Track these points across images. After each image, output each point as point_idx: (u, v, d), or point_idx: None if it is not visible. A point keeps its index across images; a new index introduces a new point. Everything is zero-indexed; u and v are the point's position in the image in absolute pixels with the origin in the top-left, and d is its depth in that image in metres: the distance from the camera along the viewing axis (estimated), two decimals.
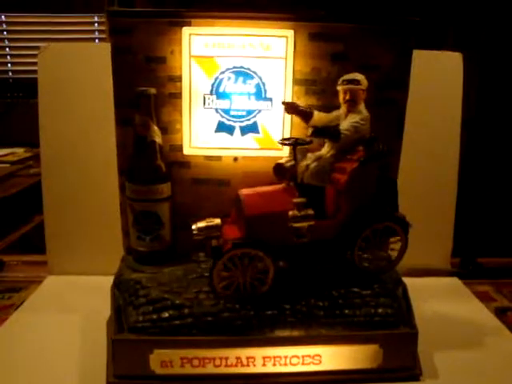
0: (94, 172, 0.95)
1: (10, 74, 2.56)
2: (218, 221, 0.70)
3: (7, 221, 1.46)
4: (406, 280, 0.76)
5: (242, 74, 0.75)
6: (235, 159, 0.79)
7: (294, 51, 0.75)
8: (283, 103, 0.74)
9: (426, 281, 0.98)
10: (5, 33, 2.51)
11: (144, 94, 0.73)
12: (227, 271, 0.67)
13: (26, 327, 0.81)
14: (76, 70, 0.93)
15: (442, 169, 0.99)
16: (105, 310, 0.77)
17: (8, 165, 1.95)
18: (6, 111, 2.45)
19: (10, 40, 2.53)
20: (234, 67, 0.75)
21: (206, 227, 0.69)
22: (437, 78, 0.96)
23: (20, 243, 1.38)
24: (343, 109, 0.72)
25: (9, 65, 2.56)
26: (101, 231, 0.96)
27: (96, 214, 0.97)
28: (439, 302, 0.90)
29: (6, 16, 2.48)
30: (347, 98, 0.70)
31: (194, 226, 0.69)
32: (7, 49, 2.54)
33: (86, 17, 2.47)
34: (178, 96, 0.76)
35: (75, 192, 0.96)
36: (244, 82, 0.76)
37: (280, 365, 0.67)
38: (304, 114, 0.73)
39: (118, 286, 0.76)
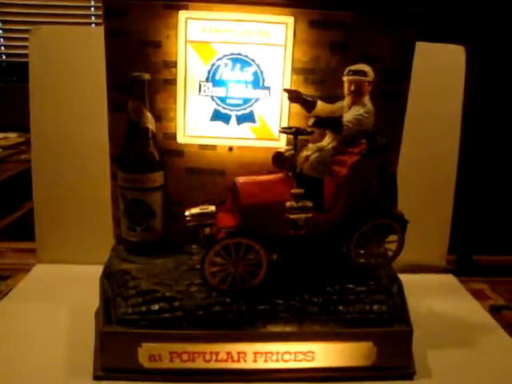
0: (85, 159, 0.93)
1: (4, 57, 2.52)
2: (212, 208, 0.68)
3: None
4: (401, 276, 0.75)
5: (240, 61, 0.73)
6: (230, 149, 0.77)
7: (294, 39, 0.73)
8: (286, 91, 0.72)
9: (421, 277, 0.97)
10: None
11: (138, 80, 0.71)
12: (219, 261, 0.66)
13: (12, 317, 0.79)
14: (68, 54, 0.90)
15: (441, 164, 0.98)
16: (93, 300, 0.75)
17: (0, 150, 1.93)
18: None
19: (3, 22, 2.48)
20: (232, 54, 0.73)
21: (200, 214, 0.67)
22: (438, 70, 0.94)
23: (10, 229, 1.36)
24: (347, 100, 0.70)
25: (2, 48, 2.52)
26: (91, 220, 0.94)
27: (87, 202, 0.94)
28: (434, 299, 0.89)
29: None
30: (352, 89, 0.68)
31: (187, 212, 0.68)
32: (0, 31, 2.49)
33: (82, 0, 2.42)
34: (172, 82, 0.74)
35: (66, 179, 0.94)
36: (241, 69, 0.74)
37: (271, 361, 0.66)
38: (307, 104, 0.71)
39: (108, 276, 0.74)
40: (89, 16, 2.47)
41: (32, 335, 0.74)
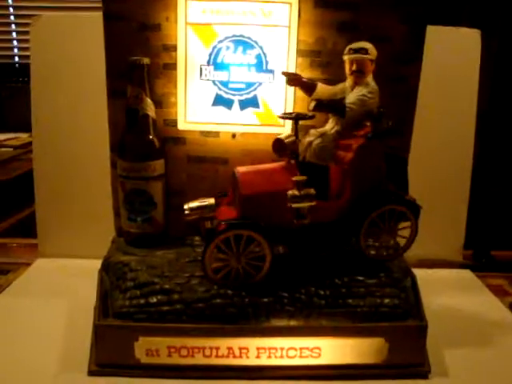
0: (86, 150, 0.91)
1: (17, 58, 2.54)
2: (211, 201, 0.65)
3: (8, 203, 1.43)
4: (415, 271, 0.71)
5: (242, 43, 0.71)
6: (234, 135, 0.74)
7: (299, 19, 0.70)
8: (284, 74, 0.69)
9: (437, 272, 0.94)
10: (12, 17, 2.48)
11: (137, 64, 0.69)
12: (221, 255, 0.63)
13: (10, 311, 0.77)
14: (70, 43, 0.89)
15: (456, 154, 0.94)
16: (94, 294, 0.73)
17: (11, 149, 1.94)
18: (12, 96, 2.43)
19: (17, 25, 2.50)
20: (234, 36, 0.70)
21: (199, 207, 0.65)
22: (453, 55, 0.90)
23: (20, 226, 1.36)
24: (349, 81, 0.67)
25: (15, 50, 2.53)
26: (93, 212, 0.92)
27: (89, 195, 0.92)
28: (451, 294, 0.85)
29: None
30: (354, 68, 0.65)
31: (185, 206, 0.65)
32: (14, 33, 2.51)
33: None
34: (172, 67, 0.72)
35: (67, 171, 0.92)
36: (244, 52, 0.71)
37: (275, 357, 0.63)
38: (306, 86, 0.68)
39: (106, 268, 0.72)
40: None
41: (30, 330, 0.73)
